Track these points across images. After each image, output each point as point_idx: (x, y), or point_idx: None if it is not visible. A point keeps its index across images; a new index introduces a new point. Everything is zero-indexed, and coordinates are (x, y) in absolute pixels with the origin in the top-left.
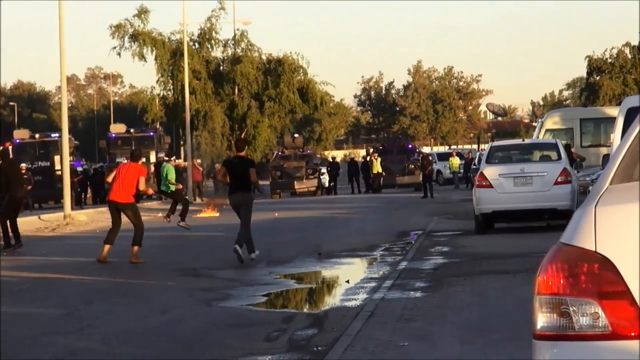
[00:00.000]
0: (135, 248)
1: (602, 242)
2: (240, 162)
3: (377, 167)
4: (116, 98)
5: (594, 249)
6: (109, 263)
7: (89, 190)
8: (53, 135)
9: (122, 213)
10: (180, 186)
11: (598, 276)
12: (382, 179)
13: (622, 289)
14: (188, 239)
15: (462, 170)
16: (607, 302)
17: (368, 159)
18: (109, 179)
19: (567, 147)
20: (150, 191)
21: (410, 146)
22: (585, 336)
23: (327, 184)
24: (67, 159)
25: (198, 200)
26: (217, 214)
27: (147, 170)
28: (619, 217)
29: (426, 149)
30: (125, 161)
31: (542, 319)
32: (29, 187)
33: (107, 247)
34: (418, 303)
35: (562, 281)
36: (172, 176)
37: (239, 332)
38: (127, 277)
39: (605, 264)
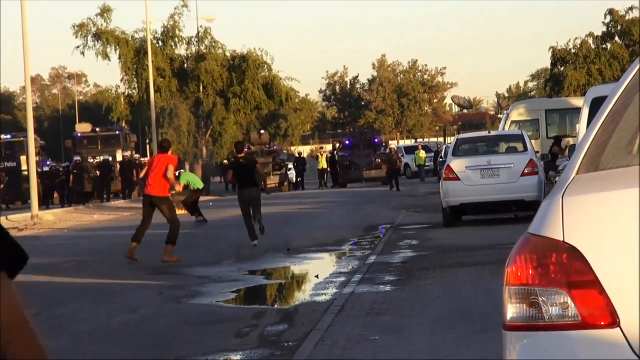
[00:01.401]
0: (170, 247)
1: (570, 232)
2: (246, 162)
3: (323, 164)
4: (81, 97)
5: (562, 239)
6: (84, 262)
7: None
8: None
9: (155, 209)
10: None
11: (567, 266)
12: (345, 174)
13: (591, 279)
14: (156, 238)
15: (429, 164)
16: (577, 292)
17: (335, 153)
18: (142, 174)
19: (558, 141)
20: (179, 188)
21: (377, 140)
22: (556, 326)
23: (294, 180)
24: (33, 159)
25: None
26: (185, 212)
27: (177, 159)
28: (586, 207)
29: (393, 143)
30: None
31: (512, 310)
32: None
33: (134, 244)
34: (388, 297)
35: (531, 272)
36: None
37: (210, 329)
38: (97, 277)
39: (574, 253)
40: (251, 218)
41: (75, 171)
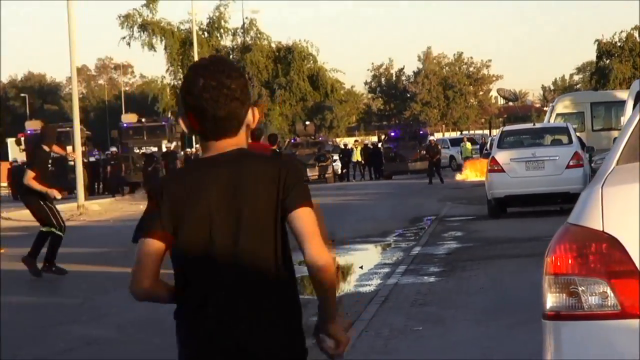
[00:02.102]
0: None
1: (609, 222)
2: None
3: (358, 156)
4: (127, 88)
5: (601, 229)
6: (129, 252)
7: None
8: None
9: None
10: None
11: (607, 256)
12: (390, 165)
13: (631, 268)
14: None
15: (475, 156)
16: (616, 282)
17: (380, 145)
18: None
19: None
20: None
21: (423, 132)
22: (595, 315)
23: (339, 171)
24: (79, 149)
25: None
26: None
27: (271, 147)
28: (626, 197)
29: (438, 135)
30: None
31: (552, 299)
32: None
33: None
34: (432, 288)
35: (570, 261)
36: None
37: None
38: None
39: (614, 243)
40: None
41: (112, 162)
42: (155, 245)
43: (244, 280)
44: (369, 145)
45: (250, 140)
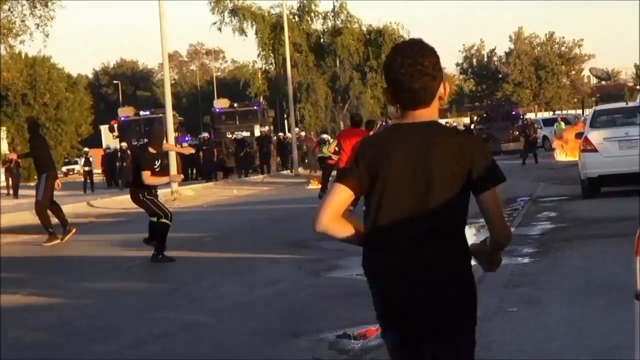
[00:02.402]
0: None
1: None
2: None
3: None
4: (219, 73)
5: None
6: (223, 237)
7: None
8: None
9: None
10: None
11: None
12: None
13: None
14: (295, 212)
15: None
16: None
17: (472, 127)
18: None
19: None
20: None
21: (514, 113)
22: None
23: None
24: (172, 135)
25: (302, 171)
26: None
27: (367, 133)
28: None
29: (530, 116)
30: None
31: None
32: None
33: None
34: (526, 268)
35: None
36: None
37: (348, 301)
38: (236, 251)
39: None
40: None
41: (205, 147)
42: (346, 191)
43: (428, 234)
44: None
45: (350, 126)
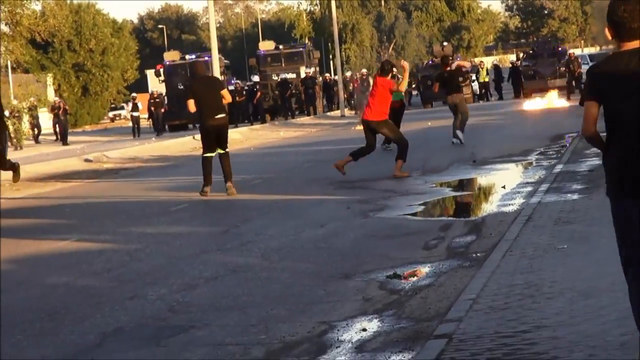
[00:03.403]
0: (400, 162)
1: None
2: (451, 73)
3: (483, 77)
4: (263, 16)
5: None
6: (271, 179)
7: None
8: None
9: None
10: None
11: None
12: (529, 83)
13: None
14: (342, 153)
15: None
16: None
17: (517, 63)
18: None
19: None
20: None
21: (560, 49)
22: None
23: (477, 91)
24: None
25: (348, 112)
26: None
27: (394, 84)
28: None
29: (576, 51)
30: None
31: None
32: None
33: (349, 159)
34: (575, 205)
35: None
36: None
37: (397, 242)
38: (285, 193)
39: None
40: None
41: (255, 88)
42: (592, 106)
43: None
44: (499, 66)
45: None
